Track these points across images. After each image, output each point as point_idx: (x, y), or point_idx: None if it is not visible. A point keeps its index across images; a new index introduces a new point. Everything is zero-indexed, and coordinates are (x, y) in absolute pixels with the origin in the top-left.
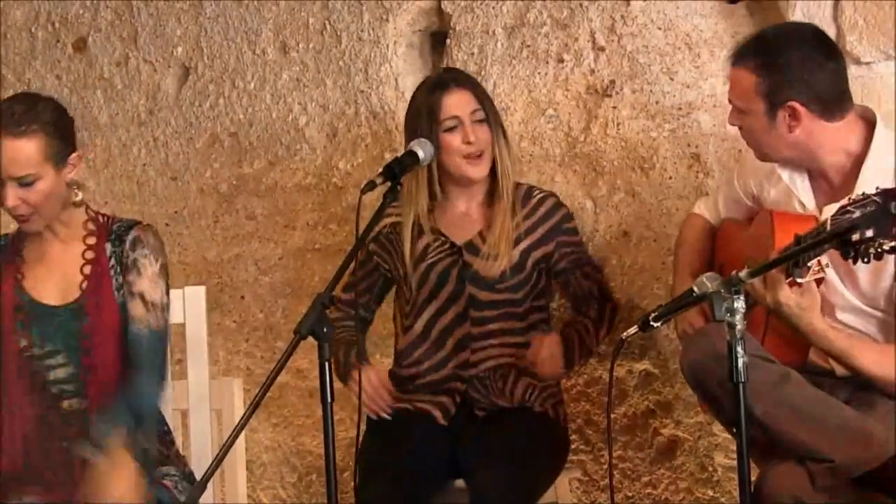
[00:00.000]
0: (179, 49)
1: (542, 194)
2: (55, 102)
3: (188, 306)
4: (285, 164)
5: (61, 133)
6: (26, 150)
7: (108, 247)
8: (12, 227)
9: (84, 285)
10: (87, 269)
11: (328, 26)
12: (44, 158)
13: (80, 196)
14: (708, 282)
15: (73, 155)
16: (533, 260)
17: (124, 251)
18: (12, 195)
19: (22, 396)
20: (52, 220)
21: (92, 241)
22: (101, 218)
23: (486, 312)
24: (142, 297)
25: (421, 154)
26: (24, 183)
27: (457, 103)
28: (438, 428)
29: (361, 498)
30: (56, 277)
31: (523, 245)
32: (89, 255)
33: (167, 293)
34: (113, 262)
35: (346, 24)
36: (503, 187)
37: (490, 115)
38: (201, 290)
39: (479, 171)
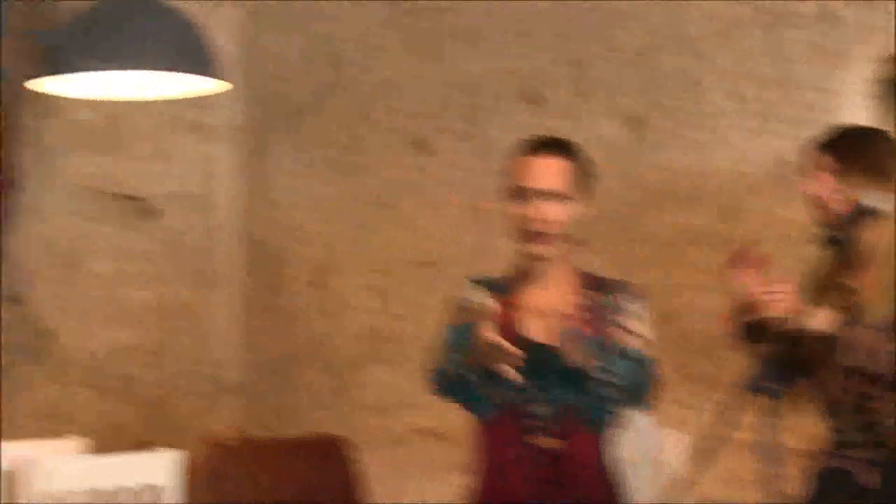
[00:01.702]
0: (629, 100)
1: None
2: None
3: None
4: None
5: (586, 169)
6: (562, 167)
7: (599, 298)
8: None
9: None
10: (579, 314)
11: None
12: (573, 184)
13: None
14: None
15: (591, 197)
16: None
17: (616, 303)
18: (542, 207)
19: (507, 430)
20: (558, 252)
21: (583, 289)
22: (585, 272)
23: None
24: (628, 330)
25: None
26: (551, 196)
27: None
28: None
29: None
30: (544, 319)
31: None
32: (580, 300)
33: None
34: (602, 314)
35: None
36: None
37: None
38: None
39: None
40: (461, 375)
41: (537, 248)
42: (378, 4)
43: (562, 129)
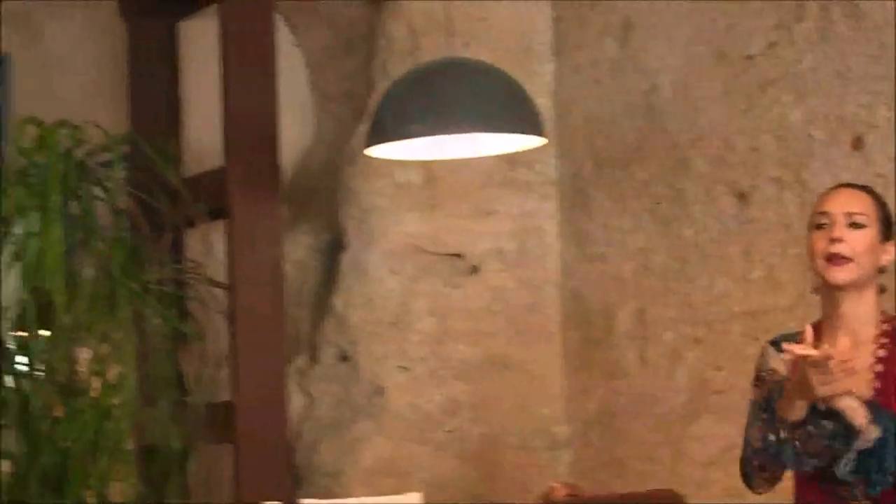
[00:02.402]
0: None
1: None
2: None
3: None
4: None
5: (886, 211)
6: (862, 197)
7: None
8: None
9: (876, 385)
10: (879, 368)
11: None
12: (873, 218)
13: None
14: None
15: (891, 244)
16: None
17: None
18: (840, 230)
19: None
20: (859, 283)
21: (885, 340)
22: (889, 320)
23: None
24: None
25: None
26: (853, 223)
27: None
28: None
29: None
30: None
31: None
32: (881, 353)
33: None
34: None
35: None
36: None
37: None
38: None
39: None
40: (774, 443)
41: (835, 273)
42: (696, 55)
43: (889, 175)
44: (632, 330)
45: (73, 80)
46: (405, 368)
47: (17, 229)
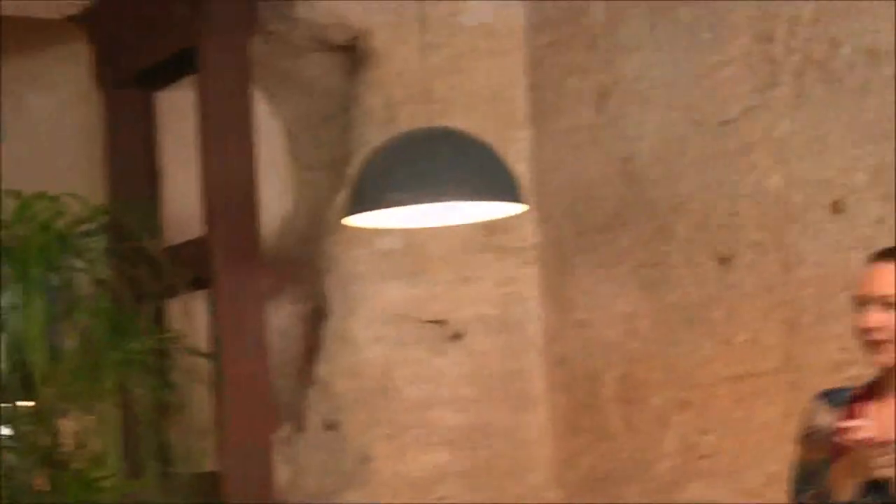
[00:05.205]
0: None
1: None
2: None
3: None
4: None
5: None
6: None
7: None
8: None
9: None
10: None
11: None
12: None
13: None
14: None
15: None
16: None
17: None
18: (875, 316)
19: None
20: None
21: None
22: None
23: None
24: None
25: None
26: (887, 303)
27: None
28: None
29: None
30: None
31: None
32: None
33: None
34: None
35: None
36: None
37: None
38: None
39: None
40: None
41: (875, 358)
42: (673, 120)
43: (870, 238)
44: (618, 394)
45: (56, 151)
46: (391, 436)
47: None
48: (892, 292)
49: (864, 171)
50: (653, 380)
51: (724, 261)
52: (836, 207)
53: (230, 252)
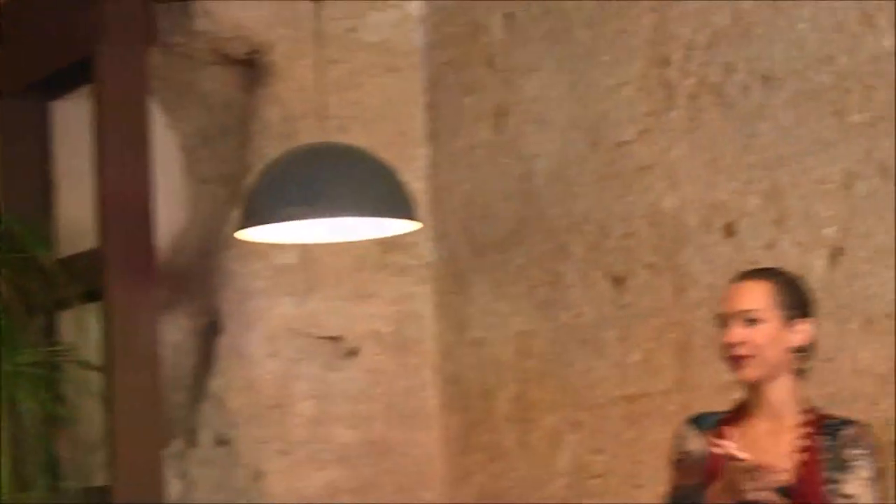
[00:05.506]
0: (829, 230)
1: None
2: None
3: None
4: None
5: (792, 292)
6: (759, 288)
7: (822, 440)
8: None
9: (798, 474)
10: (800, 458)
11: None
12: (772, 305)
13: (805, 364)
14: None
15: (803, 323)
16: None
17: (839, 448)
18: (737, 332)
19: None
20: (769, 375)
21: (805, 429)
22: (811, 409)
23: None
24: (851, 500)
25: None
26: (749, 319)
27: None
28: None
29: None
30: (765, 458)
31: None
32: (802, 443)
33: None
34: (825, 457)
35: None
36: None
37: None
38: None
39: None
40: None
41: (738, 373)
42: (570, 140)
43: (760, 261)
44: (512, 413)
45: None
46: (285, 452)
47: None
48: (753, 307)
49: (756, 194)
50: (546, 399)
51: (619, 281)
52: (729, 230)
53: (124, 264)
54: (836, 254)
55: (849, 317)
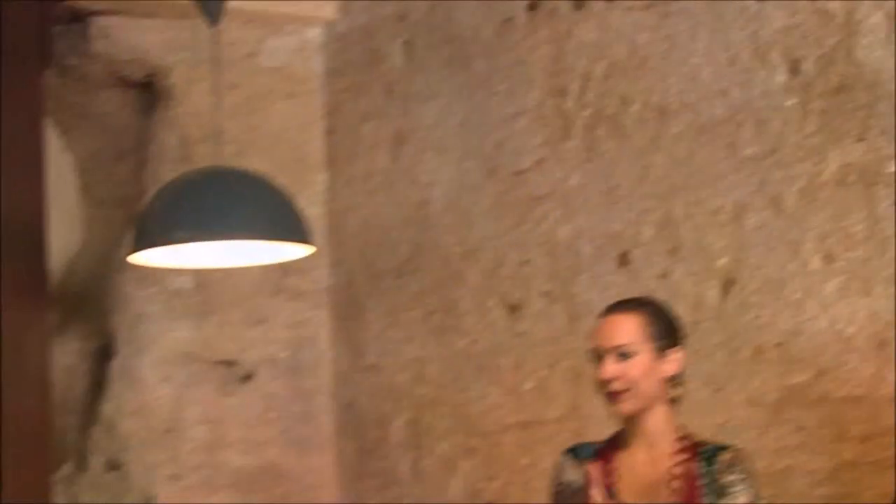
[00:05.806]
0: (722, 261)
1: None
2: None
3: None
4: (833, 374)
5: (662, 321)
6: (629, 322)
7: (698, 466)
8: None
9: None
10: (676, 485)
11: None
12: (644, 337)
13: (678, 391)
14: None
15: (675, 351)
16: None
17: (716, 473)
18: (611, 368)
19: None
20: (645, 406)
21: (681, 456)
22: (686, 436)
23: None
24: None
25: None
26: (622, 354)
27: None
28: None
29: None
30: (642, 487)
31: None
32: (678, 470)
33: None
34: (703, 482)
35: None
36: None
37: None
38: None
39: None
40: None
41: (614, 408)
42: (467, 169)
43: (654, 291)
44: (406, 440)
45: None
46: (177, 477)
47: None
48: (626, 342)
49: (650, 224)
50: (440, 426)
51: (514, 309)
52: (624, 259)
53: (15, 286)
54: (727, 284)
55: (739, 346)
